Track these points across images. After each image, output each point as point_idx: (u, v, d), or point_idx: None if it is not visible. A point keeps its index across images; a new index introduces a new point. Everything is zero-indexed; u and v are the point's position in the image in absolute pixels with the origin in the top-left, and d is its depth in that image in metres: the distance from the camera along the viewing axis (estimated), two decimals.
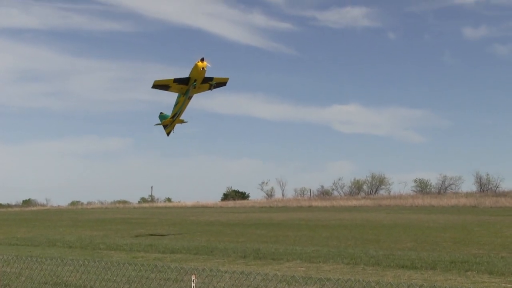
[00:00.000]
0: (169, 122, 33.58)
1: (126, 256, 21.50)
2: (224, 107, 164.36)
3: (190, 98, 31.73)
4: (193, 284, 10.33)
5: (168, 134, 33.91)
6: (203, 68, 29.71)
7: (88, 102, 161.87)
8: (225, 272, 14.34)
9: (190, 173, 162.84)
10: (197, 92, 31.49)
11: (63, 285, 14.34)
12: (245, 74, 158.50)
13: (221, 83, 31.73)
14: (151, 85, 30.26)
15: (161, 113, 34.79)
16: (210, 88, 31.23)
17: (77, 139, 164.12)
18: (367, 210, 70.48)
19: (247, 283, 12.80)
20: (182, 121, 33.58)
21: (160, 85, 30.45)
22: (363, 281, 13.25)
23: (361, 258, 19.19)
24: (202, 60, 29.65)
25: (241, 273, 13.40)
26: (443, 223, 40.96)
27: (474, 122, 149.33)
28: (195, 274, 10.49)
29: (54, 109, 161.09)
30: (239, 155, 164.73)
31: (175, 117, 32.96)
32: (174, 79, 30.25)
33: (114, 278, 14.23)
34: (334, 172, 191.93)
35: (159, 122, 34.34)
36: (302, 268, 17.54)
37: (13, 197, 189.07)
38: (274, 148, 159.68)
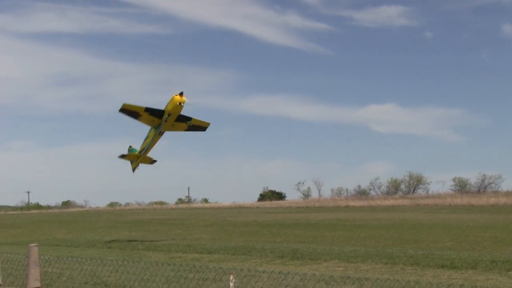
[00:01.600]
0: (134, 158, 30.17)
1: (164, 257, 21.67)
2: (260, 108, 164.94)
3: (161, 134, 28.65)
4: (231, 284, 10.34)
5: (133, 170, 30.53)
6: (180, 103, 26.97)
7: None
8: (263, 272, 14.33)
9: (226, 174, 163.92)
10: (172, 130, 28.63)
11: (103, 285, 14.51)
12: (281, 74, 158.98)
13: (200, 127, 29.12)
14: (119, 109, 27.10)
15: (130, 146, 30.90)
16: (187, 129, 28.62)
17: (114, 141, 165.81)
18: (404, 209, 69.78)
19: (285, 283, 12.77)
20: (150, 160, 30.36)
21: (129, 111, 27.19)
22: (402, 280, 13.08)
23: (399, 257, 19.00)
24: (181, 94, 26.94)
25: (279, 273, 13.40)
26: (483, 222, 40.32)
27: None
28: (233, 274, 10.52)
29: (91, 112, 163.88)
30: (275, 155, 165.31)
31: (142, 152, 29.73)
32: (146, 108, 27.28)
33: (153, 278, 14.38)
34: (371, 171, 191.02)
35: (127, 154, 30.60)
36: (340, 268, 17.45)
37: (53, 199, 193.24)
38: (310, 148, 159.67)
